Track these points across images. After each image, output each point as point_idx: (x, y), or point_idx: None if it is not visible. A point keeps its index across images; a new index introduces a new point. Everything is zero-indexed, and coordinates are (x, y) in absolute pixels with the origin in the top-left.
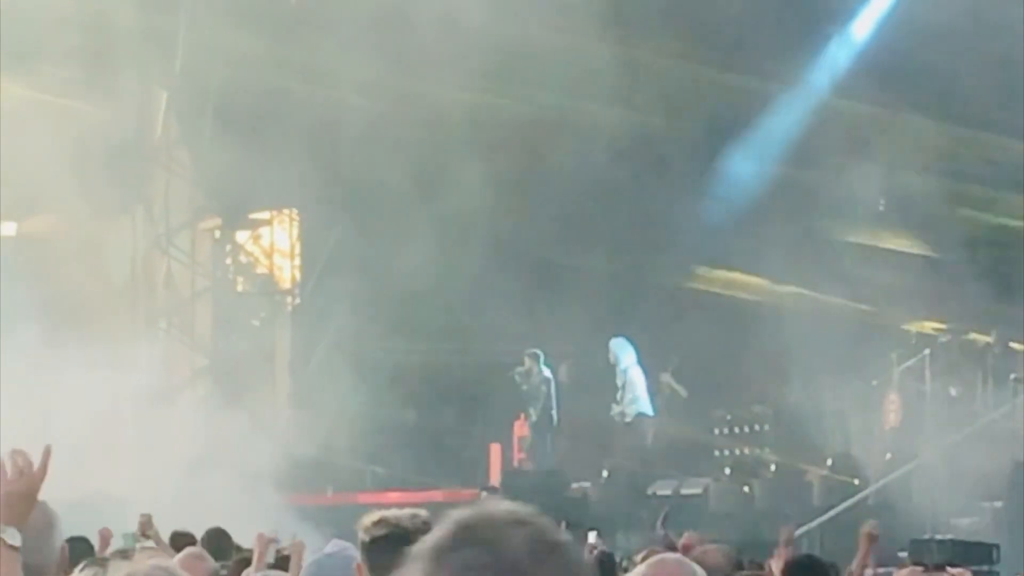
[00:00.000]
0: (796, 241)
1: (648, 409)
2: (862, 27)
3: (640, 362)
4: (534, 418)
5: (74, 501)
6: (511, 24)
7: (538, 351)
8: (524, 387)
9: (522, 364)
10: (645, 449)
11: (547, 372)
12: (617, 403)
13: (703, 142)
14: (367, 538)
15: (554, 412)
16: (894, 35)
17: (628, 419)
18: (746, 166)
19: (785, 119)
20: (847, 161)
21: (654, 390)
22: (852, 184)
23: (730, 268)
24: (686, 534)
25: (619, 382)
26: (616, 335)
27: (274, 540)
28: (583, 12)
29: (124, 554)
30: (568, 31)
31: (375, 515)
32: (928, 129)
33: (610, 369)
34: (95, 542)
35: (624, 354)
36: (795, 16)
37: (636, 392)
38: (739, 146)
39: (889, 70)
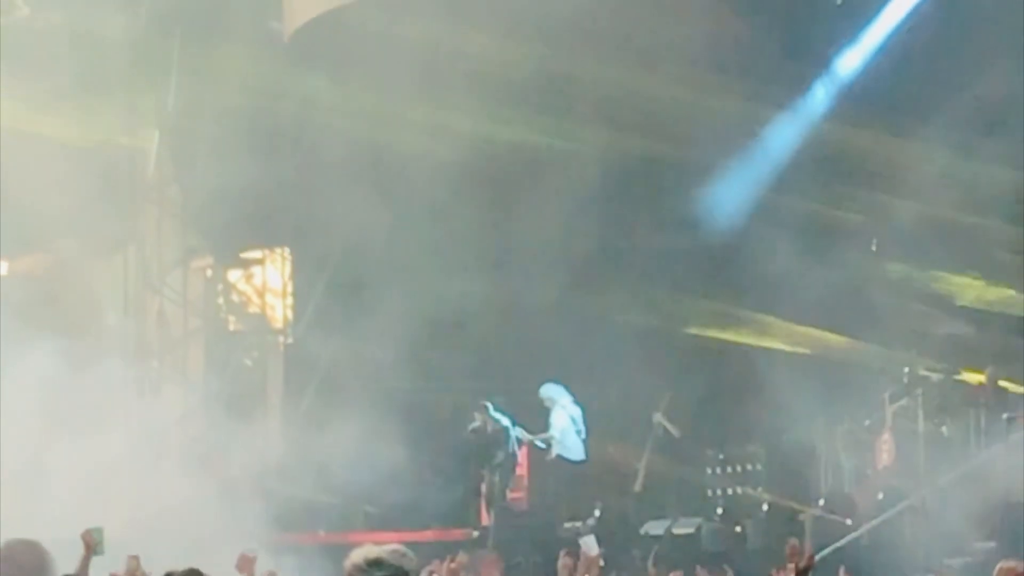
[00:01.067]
0: (790, 276)
1: (571, 455)
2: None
3: (577, 403)
4: (496, 467)
5: (67, 540)
6: (506, 51)
7: (487, 403)
8: (481, 442)
9: (473, 420)
10: (551, 488)
11: (502, 420)
12: (532, 434)
13: (694, 172)
14: None
15: (516, 457)
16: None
17: (551, 456)
18: (738, 196)
19: (782, 145)
20: (843, 191)
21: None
22: (847, 217)
23: (722, 304)
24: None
25: (559, 424)
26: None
27: (254, 559)
28: (564, 34)
29: None
30: (551, 54)
31: (367, 554)
32: (924, 157)
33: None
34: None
35: (559, 397)
36: (795, 36)
37: (556, 434)
38: (731, 176)
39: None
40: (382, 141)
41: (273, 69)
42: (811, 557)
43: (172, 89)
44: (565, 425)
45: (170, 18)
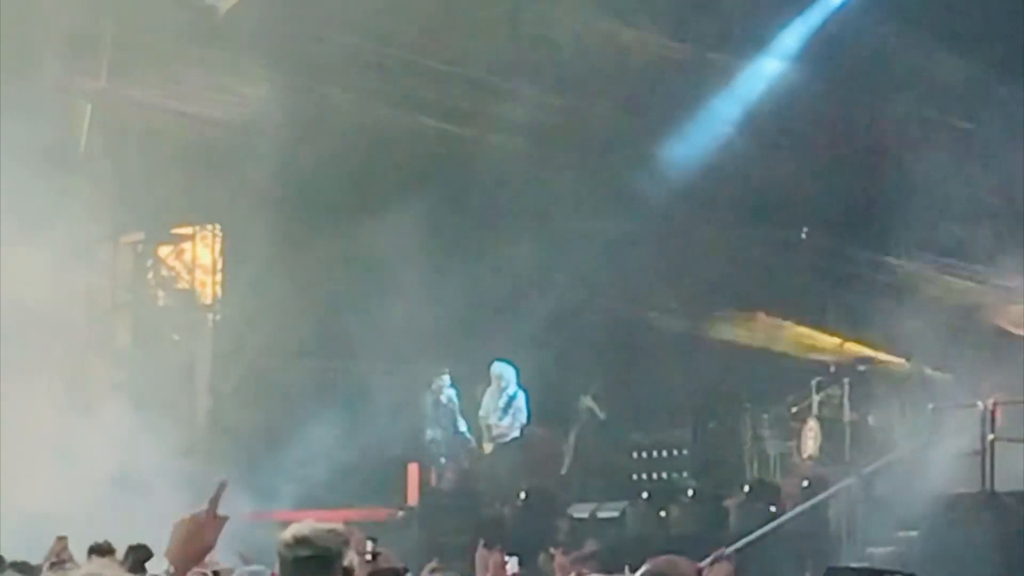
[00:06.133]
0: (721, 260)
1: (518, 435)
2: None
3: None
4: (440, 437)
5: None
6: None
7: (446, 372)
8: (432, 413)
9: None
10: (478, 469)
11: (453, 396)
12: (496, 424)
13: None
14: (289, 556)
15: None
16: None
17: (505, 440)
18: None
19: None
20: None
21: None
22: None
23: (653, 289)
24: None
25: (500, 403)
26: (509, 357)
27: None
28: None
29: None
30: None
31: (296, 531)
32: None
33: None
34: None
35: (512, 377)
36: None
37: (521, 418)
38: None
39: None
40: (316, 118)
41: (204, 44)
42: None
43: (105, 63)
44: (523, 405)
45: None
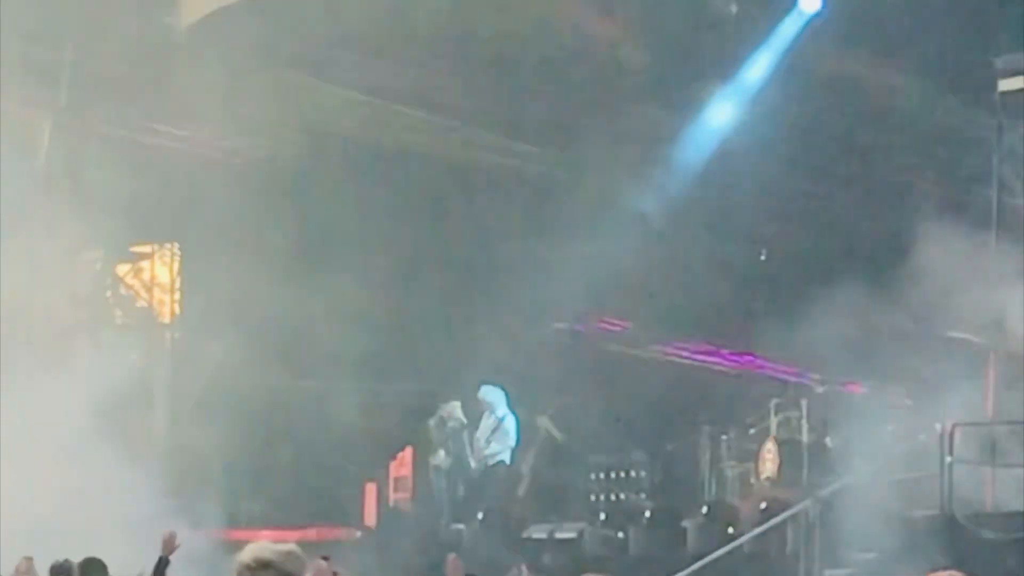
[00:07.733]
0: (678, 286)
1: (508, 458)
2: None
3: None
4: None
5: None
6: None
7: (457, 400)
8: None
9: (440, 410)
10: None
11: (464, 420)
12: (484, 448)
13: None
14: None
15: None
16: None
17: (491, 463)
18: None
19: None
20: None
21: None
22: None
23: (610, 311)
24: None
25: (490, 427)
26: (490, 380)
27: None
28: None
29: None
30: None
31: (258, 554)
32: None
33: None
34: None
35: (499, 401)
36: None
37: (508, 442)
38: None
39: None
40: (274, 137)
41: (163, 62)
42: None
43: (64, 80)
44: (513, 429)
45: (64, 8)
